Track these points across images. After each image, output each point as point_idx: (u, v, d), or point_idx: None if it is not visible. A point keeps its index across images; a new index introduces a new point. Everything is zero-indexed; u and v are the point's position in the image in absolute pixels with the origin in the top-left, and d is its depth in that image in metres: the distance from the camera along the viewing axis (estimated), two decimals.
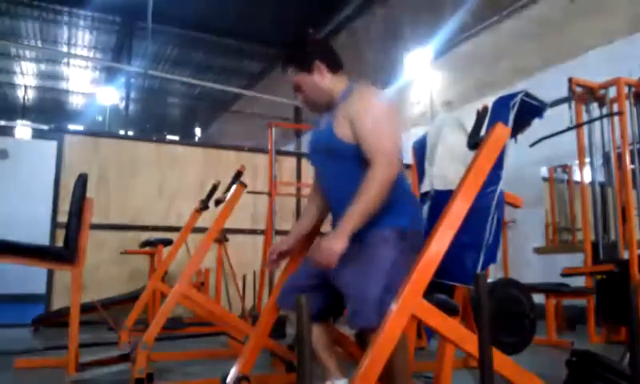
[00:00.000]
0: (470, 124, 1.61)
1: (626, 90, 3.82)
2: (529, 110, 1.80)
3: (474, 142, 1.48)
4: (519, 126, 1.82)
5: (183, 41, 11.61)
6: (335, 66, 1.78)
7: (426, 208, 2.07)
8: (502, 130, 1.38)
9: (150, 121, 12.68)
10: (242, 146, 5.88)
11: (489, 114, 1.84)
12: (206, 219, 4.25)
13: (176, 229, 4.98)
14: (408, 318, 1.25)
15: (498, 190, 1.76)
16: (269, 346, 2.23)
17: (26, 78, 13.71)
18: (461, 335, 1.32)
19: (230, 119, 15.92)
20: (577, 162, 4.15)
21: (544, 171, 5.63)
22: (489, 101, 1.96)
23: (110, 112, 11.45)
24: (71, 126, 10.38)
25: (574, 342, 3.49)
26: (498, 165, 1.74)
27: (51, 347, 3.24)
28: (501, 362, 1.31)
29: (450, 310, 1.57)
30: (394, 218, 1.62)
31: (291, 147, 11.56)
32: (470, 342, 1.31)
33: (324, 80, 1.75)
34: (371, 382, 1.19)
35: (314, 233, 2.02)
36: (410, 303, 1.25)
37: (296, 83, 1.78)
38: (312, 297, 1.67)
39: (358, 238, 1.58)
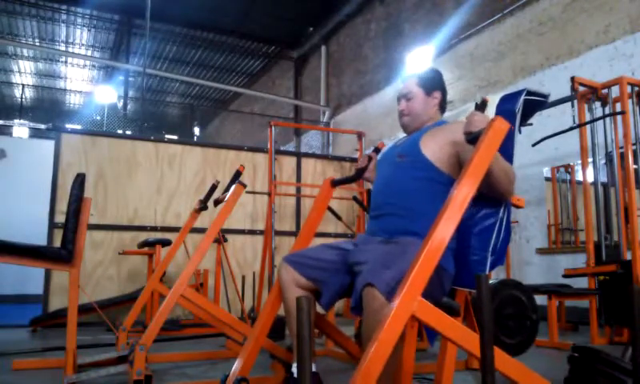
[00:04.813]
0: None
1: (628, 89, 3.79)
2: (531, 105, 1.81)
3: (473, 136, 1.46)
4: (523, 119, 1.82)
5: (182, 39, 11.59)
6: (443, 105, 2.05)
7: None
8: (501, 124, 1.37)
9: (149, 120, 12.66)
10: (241, 146, 5.84)
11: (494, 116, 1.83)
12: (204, 219, 4.25)
13: (175, 229, 4.97)
14: (408, 317, 1.22)
15: None
16: (268, 347, 2.20)
17: (23, 77, 13.69)
18: (462, 334, 1.29)
19: (229, 118, 15.91)
20: (579, 161, 4.12)
21: (546, 171, 5.62)
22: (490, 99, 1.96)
23: (108, 111, 11.41)
24: (69, 125, 10.32)
25: (577, 343, 3.47)
26: None
27: (49, 348, 3.22)
28: (502, 360, 1.29)
29: (450, 311, 1.54)
30: None
31: (291, 147, 11.54)
32: (470, 340, 1.28)
33: (432, 107, 2.00)
34: (371, 380, 1.17)
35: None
36: (409, 302, 1.22)
37: (410, 91, 2.01)
38: (330, 278, 1.80)
39: (394, 240, 1.68)
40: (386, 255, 1.56)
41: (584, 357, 1.54)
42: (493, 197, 1.68)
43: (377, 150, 2.15)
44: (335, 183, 2.19)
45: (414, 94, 2.00)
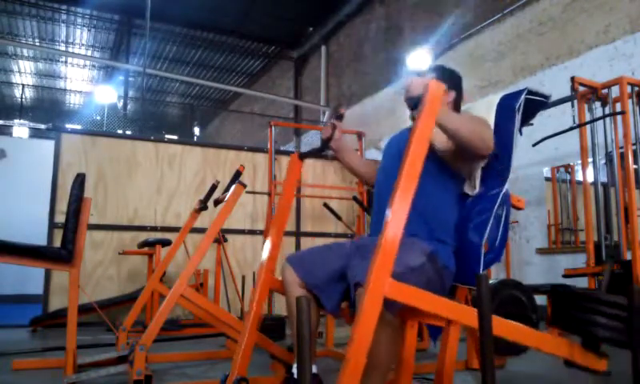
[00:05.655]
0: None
1: (628, 89, 3.79)
2: (532, 105, 1.81)
3: (413, 101, 1.48)
4: (523, 120, 1.82)
5: (182, 39, 11.59)
6: (457, 104, 2.05)
7: None
8: (437, 87, 1.35)
9: (149, 120, 12.69)
10: (241, 146, 5.85)
11: (495, 114, 1.83)
12: (204, 219, 4.25)
13: (175, 229, 4.97)
14: (380, 299, 1.22)
15: (503, 192, 1.74)
16: (261, 341, 2.19)
17: (23, 77, 13.68)
18: (438, 304, 1.29)
19: (229, 118, 15.90)
20: (579, 161, 4.12)
21: (546, 171, 5.62)
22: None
23: (108, 111, 11.42)
24: (69, 125, 10.33)
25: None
26: (505, 168, 1.74)
27: (49, 348, 3.22)
28: (500, 325, 1.30)
29: None
30: (437, 246, 1.70)
31: (291, 147, 11.54)
32: (445, 307, 1.28)
33: (443, 103, 1.94)
34: (358, 369, 1.18)
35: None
36: (379, 284, 1.22)
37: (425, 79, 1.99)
38: (331, 286, 1.80)
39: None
40: None
41: (561, 295, 1.55)
42: (476, 153, 1.69)
43: (340, 117, 2.01)
44: (302, 156, 2.12)
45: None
